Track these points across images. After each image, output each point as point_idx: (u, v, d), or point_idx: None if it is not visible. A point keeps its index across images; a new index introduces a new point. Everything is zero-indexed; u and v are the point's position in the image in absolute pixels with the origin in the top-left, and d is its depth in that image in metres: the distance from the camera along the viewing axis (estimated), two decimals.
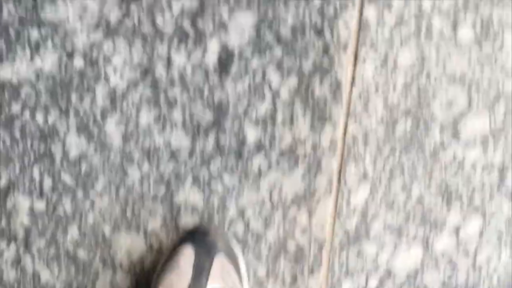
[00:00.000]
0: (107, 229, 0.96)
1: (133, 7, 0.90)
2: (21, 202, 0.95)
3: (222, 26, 0.92)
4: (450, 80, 0.96)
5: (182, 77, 0.92)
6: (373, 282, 1.02)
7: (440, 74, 0.96)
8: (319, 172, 0.96)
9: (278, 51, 0.93)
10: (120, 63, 0.92)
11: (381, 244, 1.00)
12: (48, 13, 0.90)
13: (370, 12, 0.93)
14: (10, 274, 0.97)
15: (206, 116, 0.94)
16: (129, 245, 0.97)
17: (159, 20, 0.91)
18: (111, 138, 0.93)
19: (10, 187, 0.94)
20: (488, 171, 1.01)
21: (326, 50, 0.93)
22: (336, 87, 0.94)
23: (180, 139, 0.94)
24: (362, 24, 0.93)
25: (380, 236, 1.00)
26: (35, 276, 0.97)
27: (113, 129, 0.93)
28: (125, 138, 0.94)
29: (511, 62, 0.96)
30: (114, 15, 0.91)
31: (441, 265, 1.03)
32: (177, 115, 0.93)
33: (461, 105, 0.97)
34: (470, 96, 0.97)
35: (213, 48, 0.92)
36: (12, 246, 0.96)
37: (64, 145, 0.93)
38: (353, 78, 0.94)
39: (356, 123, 0.95)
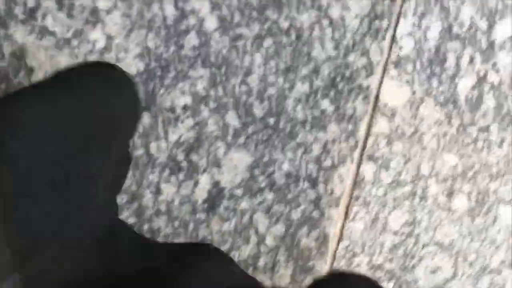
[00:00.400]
0: None
1: None
2: None
3: (216, 163, 0.90)
4: (438, 247, 0.95)
5: (168, 209, 0.91)
6: None
7: (429, 240, 0.94)
8: None
9: (269, 196, 0.91)
10: None
11: None
12: None
13: (367, 169, 0.91)
14: None
15: None
16: None
17: (153, 147, 0.89)
18: None
19: None
20: None
21: (317, 202, 0.92)
22: (323, 241, 0.92)
23: None
24: (357, 181, 0.92)
25: None
26: None
27: None
28: None
29: (502, 237, 0.95)
30: None
31: None
32: None
33: (446, 273, 0.96)
34: (456, 265, 0.96)
35: (204, 184, 0.91)
36: None
37: None
38: (341, 234, 0.93)
39: None
